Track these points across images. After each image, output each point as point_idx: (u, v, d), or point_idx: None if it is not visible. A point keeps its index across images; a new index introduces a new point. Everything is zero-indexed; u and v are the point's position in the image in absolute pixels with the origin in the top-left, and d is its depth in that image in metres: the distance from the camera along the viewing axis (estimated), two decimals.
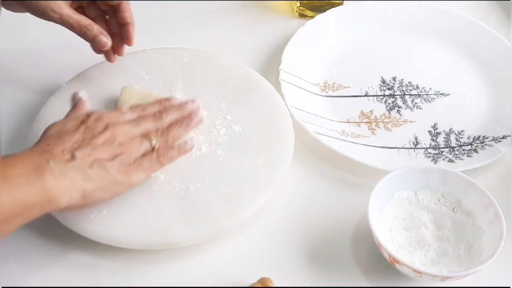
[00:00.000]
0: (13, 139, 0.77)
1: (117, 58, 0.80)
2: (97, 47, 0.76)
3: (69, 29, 0.74)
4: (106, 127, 0.65)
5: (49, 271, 0.66)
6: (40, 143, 0.63)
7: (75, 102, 0.69)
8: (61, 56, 0.87)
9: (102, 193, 0.63)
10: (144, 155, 0.66)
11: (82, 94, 0.70)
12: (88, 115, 0.66)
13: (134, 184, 0.65)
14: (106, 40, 0.75)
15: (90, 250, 0.67)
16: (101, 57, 0.82)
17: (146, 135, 0.67)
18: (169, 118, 0.69)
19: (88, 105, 0.69)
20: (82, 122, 0.65)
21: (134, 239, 0.65)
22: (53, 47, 0.88)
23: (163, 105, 0.70)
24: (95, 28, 0.74)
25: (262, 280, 0.62)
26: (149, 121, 0.68)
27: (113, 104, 0.76)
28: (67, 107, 0.76)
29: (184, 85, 0.79)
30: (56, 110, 0.76)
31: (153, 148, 0.66)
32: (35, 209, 0.58)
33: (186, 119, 0.70)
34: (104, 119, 0.66)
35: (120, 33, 0.79)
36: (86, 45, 0.89)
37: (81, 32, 0.74)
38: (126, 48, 0.83)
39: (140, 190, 0.68)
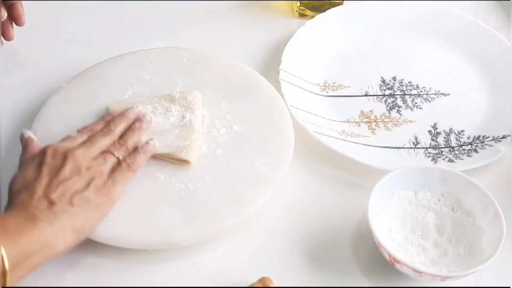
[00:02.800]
0: (13, 139, 0.77)
1: (4, 43, 0.81)
2: None
3: None
4: (65, 158, 0.64)
5: (48, 270, 0.66)
6: (14, 202, 0.62)
7: (24, 143, 0.68)
8: (61, 56, 0.87)
9: (91, 222, 0.63)
10: (113, 169, 0.66)
11: (29, 134, 0.69)
12: (43, 153, 0.65)
13: (116, 200, 0.65)
14: None
15: (89, 249, 0.67)
16: (101, 57, 0.82)
17: (106, 151, 0.67)
18: (118, 128, 0.70)
19: (36, 142, 0.68)
20: (40, 163, 0.64)
21: (134, 239, 0.65)
22: (53, 46, 0.88)
23: (107, 119, 0.71)
24: None
25: (262, 280, 0.62)
26: (101, 136, 0.68)
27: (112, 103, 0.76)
28: (67, 107, 0.76)
29: (184, 85, 0.79)
30: (56, 110, 0.76)
31: (118, 160, 0.67)
32: (36, 257, 0.59)
33: (137, 122, 0.71)
34: (59, 151, 0.65)
35: (8, 14, 0.79)
36: (86, 45, 0.89)
37: None
38: (126, 48, 0.83)
39: (140, 190, 0.68)
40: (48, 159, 0.64)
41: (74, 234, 0.61)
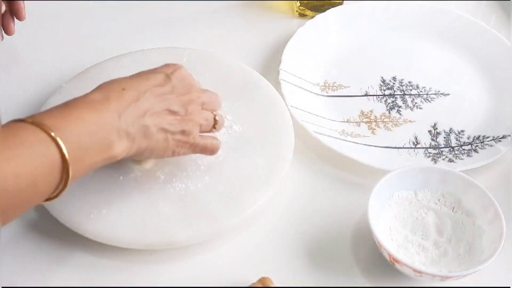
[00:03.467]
0: None
1: (5, 42, 0.81)
2: None
3: None
4: (188, 92, 0.65)
5: (49, 270, 0.66)
6: (119, 81, 0.62)
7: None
8: (61, 56, 0.87)
9: (150, 154, 0.63)
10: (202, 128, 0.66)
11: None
12: (174, 70, 0.65)
13: (179, 155, 0.66)
14: None
15: (90, 249, 0.67)
16: (101, 57, 0.82)
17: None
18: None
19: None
20: (167, 76, 0.64)
21: (134, 239, 0.65)
22: (53, 46, 0.88)
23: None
24: None
25: (262, 280, 0.62)
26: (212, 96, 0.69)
27: None
28: None
29: None
30: None
31: (214, 121, 0.68)
32: (97, 163, 0.58)
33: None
34: (186, 80, 0.65)
35: (9, 9, 0.79)
36: (86, 44, 0.89)
37: None
38: (126, 48, 0.83)
39: (140, 190, 0.68)
40: (175, 79, 0.65)
41: (136, 151, 0.61)
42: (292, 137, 0.74)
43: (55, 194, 0.56)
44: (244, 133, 0.74)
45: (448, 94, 0.84)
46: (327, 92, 0.83)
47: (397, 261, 0.62)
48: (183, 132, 0.64)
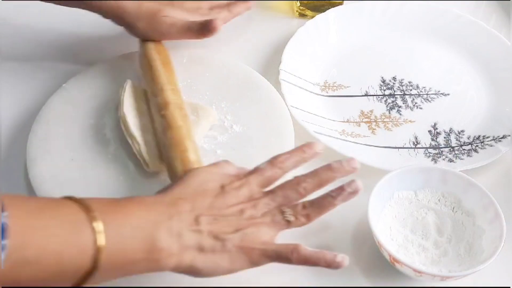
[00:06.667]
0: (13, 139, 0.77)
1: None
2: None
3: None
4: (242, 201, 0.59)
5: None
6: (173, 189, 0.58)
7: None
8: (62, 56, 0.87)
9: (213, 266, 0.56)
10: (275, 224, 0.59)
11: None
12: (232, 180, 0.60)
13: (254, 265, 0.58)
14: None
15: None
16: (101, 57, 0.82)
17: (279, 207, 0.60)
18: (309, 190, 0.62)
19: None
20: (222, 186, 0.59)
21: None
22: (54, 46, 0.88)
23: (314, 174, 0.62)
24: (217, 23, 0.76)
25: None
26: (289, 191, 0.61)
27: (113, 103, 0.76)
28: (67, 107, 0.76)
29: (184, 85, 0.79)
30: (56, 110, 0.76)
31: (287, 221, 0.60)
32: (138, 265, 0.54)
33: (336, 192, 0.61)
34: (243, 189, 0.60)
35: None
36: (87, 44, 0.89)
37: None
38: (126, 48, 0.83)
39: (141, 190, 0.68)
40: (230, 188, 0.59)
41: (189, 265, 0.56)
42: (292, 137, 0.74)
43: (85, 282, 0.51)
44: (244, 133, 0.74)
45: (448, 94, 0.84)
46: (327, 92, 0.83)
47: (397, 261, 0.62)
48: (243, 229, 0.57)
